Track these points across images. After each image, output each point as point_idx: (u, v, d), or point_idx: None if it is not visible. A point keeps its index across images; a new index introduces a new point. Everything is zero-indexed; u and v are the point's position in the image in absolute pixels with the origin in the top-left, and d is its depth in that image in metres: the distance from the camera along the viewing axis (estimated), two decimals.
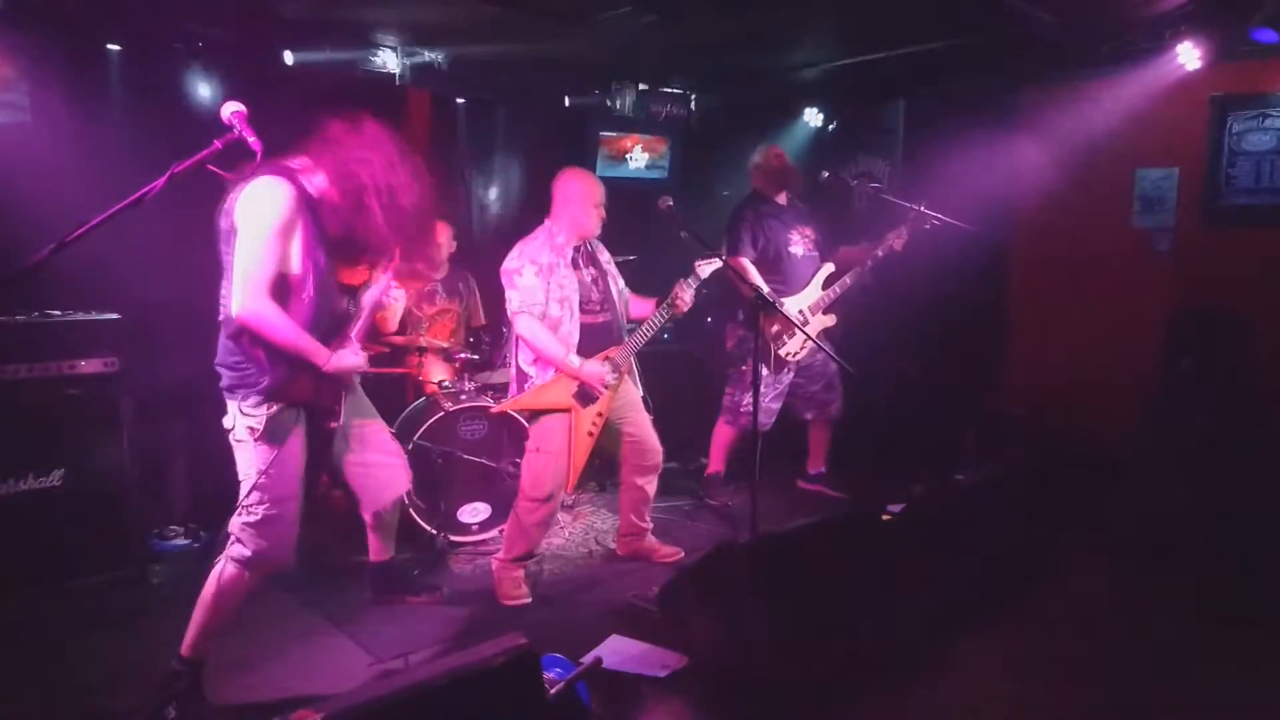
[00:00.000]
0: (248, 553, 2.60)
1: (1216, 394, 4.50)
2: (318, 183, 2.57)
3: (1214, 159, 4.77)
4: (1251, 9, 4.12)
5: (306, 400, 2.64)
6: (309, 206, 2.53)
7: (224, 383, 2.60)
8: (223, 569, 2.61)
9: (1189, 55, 4.45)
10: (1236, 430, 4.29)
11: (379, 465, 2.99)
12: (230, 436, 2.62)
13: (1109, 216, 5.18)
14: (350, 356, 2.68)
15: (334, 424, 2.74)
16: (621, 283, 3.87)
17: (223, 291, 2.54)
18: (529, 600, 3.57)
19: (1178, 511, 4.09)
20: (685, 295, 3.66)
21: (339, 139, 2.55)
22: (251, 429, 2.56)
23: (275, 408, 2.56)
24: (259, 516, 2.59)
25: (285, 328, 2.51)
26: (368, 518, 3.24)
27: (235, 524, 2.61)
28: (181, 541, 4.06)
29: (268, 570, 2.68)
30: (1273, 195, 4.61)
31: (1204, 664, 3.05)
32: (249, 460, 2.59)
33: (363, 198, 2.51)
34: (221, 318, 2.57)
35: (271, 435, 2.57)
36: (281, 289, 2.50)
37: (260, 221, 2.44)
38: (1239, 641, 3.20)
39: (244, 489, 2.59)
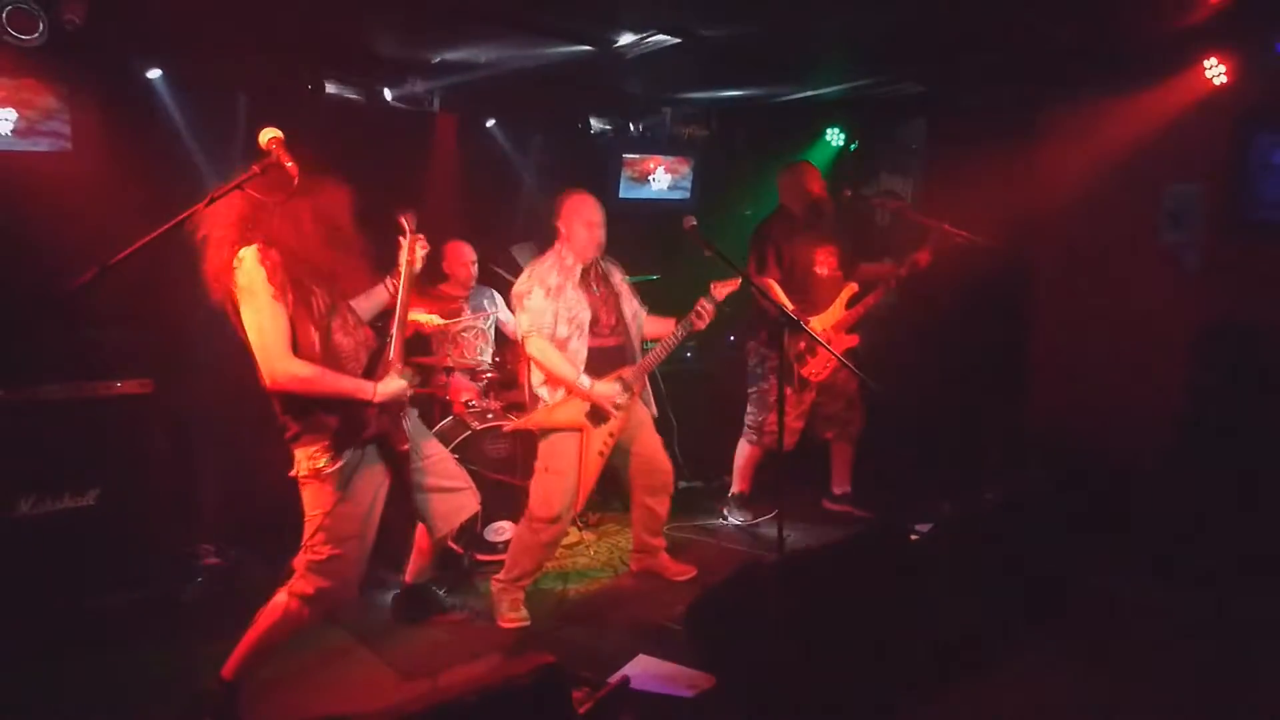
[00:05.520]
0: (309, 590, 2.64)
1: (1246, 410, 4.43)
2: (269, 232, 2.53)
3: (1240, 173, 4.72)
4: (1277, 24, 4.10)
5: (371, 436, 2.66)
6: (278, 253, 2.49)
7: (289, 434, 2.61)
8: (284, 602, 2.65)
9: (1214, 70, 4.43)
10: (1268, 447, 4.21)
11: (447, 491, 3.02)
12: (297, 478, 2.64)
13: (1134, 232, 5.13)
14: (395, 381, 2.68)
15: (404, 446, 2.78)
16: (636, 303, 3.84)
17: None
18: (528, 623, 3.54)
19: (1206, 528, 4.02)
20: (708, 309, 3.64)
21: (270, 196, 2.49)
22: (317, 471, 2.58)
23: (343, 457, 2.59)
24: (323, 556, 2.63)
25: (322, 378, 2.53)
26: (427, 543, 3.26)
27: (300, 561, 2.65)
28: (213, 560, 4.10)
29: (329, 607, 2.73)
30: None
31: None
32: (314, 500, 2.63)
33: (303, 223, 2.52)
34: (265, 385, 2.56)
35: (338, 479, 2.60)
36: (300, 340, 2.52)
37: (254, 288, 2.44)
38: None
39: (308, 528, 2.63)
